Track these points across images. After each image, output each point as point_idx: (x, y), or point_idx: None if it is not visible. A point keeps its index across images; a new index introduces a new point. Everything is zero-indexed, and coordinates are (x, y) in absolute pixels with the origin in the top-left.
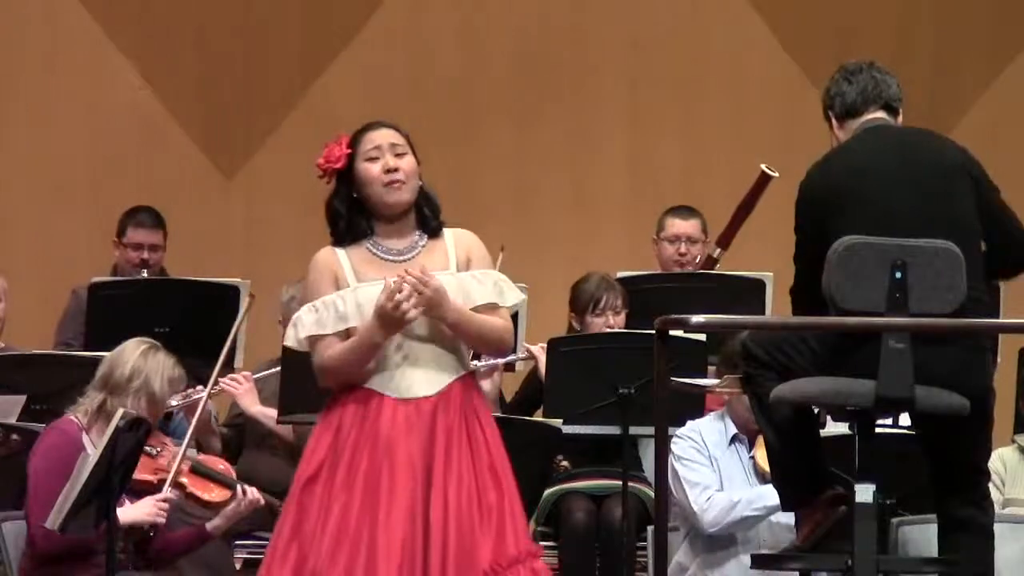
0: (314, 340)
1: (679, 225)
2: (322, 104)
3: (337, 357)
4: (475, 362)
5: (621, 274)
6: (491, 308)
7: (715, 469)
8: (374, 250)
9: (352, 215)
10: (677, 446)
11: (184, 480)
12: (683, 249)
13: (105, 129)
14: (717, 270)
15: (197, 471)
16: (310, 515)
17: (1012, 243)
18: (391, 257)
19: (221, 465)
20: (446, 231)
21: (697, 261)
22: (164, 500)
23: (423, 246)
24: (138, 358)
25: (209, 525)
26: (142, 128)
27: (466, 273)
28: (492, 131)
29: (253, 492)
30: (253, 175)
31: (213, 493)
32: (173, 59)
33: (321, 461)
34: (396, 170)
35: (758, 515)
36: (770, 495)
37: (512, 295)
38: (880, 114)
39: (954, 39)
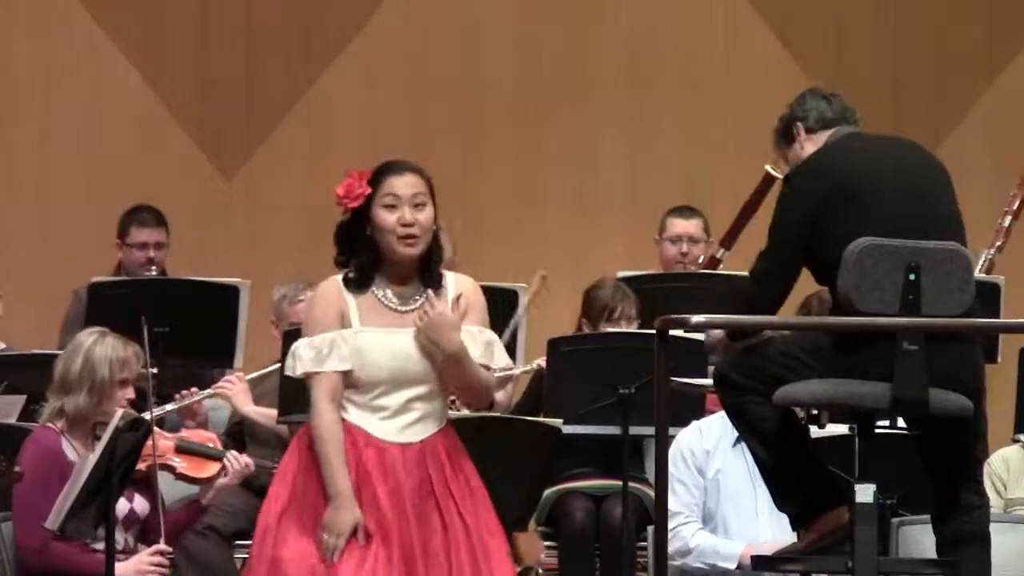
0: (311, 375)
1: (680, 225)
2: (322, 105)
3: (316, 438)
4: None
5: (622, 274)
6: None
7: (702, 479)
8: (379, 296)
9: (365, 255)
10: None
11: (174, 461)
12: (685, 249)
13: (105, 129)
14: (720, 270)
15: (183, 449)
16: (286, 552)
17: None
18: (394, 306)
19: (209, 442)
20: (448, 276)
21: (700, 261)
22: (159, 553)
23: (425, 296)
24: (86, 351)
25: (204, 499)
26: (142, 128)
27: (463, 328)
28: (492, 131)
29: (242, 459)
30: (253, 175)
31: (204, 470)
32: (173, 59)
33: (289, 496)
34: (412, 225)
35: (705, 569)
36: (727, 553)
37: (501, 358)
38: (859, 129)
39: (953, 40)
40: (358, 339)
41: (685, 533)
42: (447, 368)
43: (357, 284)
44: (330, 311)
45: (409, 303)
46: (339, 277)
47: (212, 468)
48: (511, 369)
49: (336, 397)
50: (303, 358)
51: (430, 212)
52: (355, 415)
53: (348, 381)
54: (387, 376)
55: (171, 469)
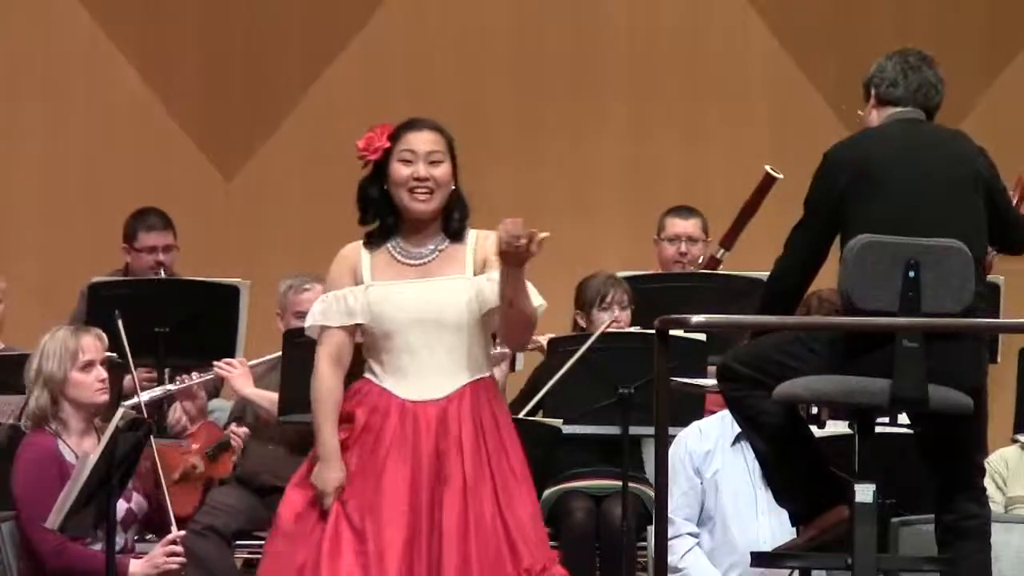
0: (320, 330)
1: (679, 225)
2: (322, 104)
3: (312, 397)
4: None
5: (622, 274)
6: None
7: (699, 481)
8: (394, 252)
9: (382, 209)
10: None
11: (208, 470)
12: (683, 249)
13: (105, 129)
14: (720, 270)
15: (212, 456)
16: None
17: (1013, 233)
18: (408, 260)
19: (216, 433)
20: (471, 233)
21: (700, 261)
22: (173, 542)
23: (441, 251)
24: (40, 351)
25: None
26: (142, 128)
27: (482, 276)
28: (492, 132)
29: (239, 431)
30: (253, 175)
31: (229, 463)
32: (173, 59)
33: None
34: (426, 179)
35: None
36: None
37: (535, 298)
38: (918, 114)
39: (953, 40)
40: (368, 294)
41: (678, 548)
42: (504, 289)
43: (375, 241)
44: (344, 270)
45: (424, 258)
46: (362, 239)
47: (232, 458)
48: (507, 348)
49: (340, 358)
50: (313, 313)
51: (447, 169)
52: (380, 376)
53: (367, 342)
54: (397, 328)
55: (208, 478)
